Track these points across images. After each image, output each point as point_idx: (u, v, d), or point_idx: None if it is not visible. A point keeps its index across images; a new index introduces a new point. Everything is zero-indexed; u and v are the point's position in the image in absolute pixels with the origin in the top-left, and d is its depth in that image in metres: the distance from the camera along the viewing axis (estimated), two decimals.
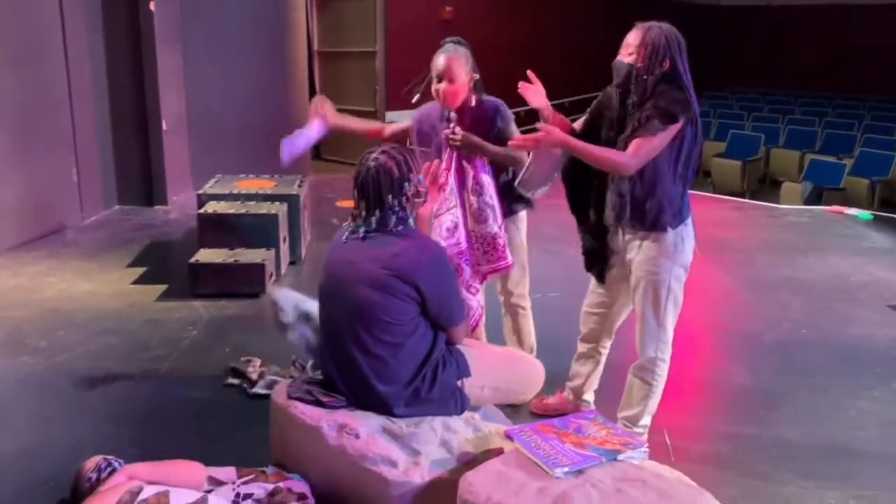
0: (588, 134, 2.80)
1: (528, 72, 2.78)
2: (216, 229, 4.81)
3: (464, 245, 2.98)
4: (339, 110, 10.43)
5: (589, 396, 3.23)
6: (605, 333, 3.11)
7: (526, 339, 3.30)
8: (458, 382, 2.50)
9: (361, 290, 2.35)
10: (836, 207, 7.63)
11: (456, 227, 2.96)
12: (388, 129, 3.33)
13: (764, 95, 14.90)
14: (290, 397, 2.52)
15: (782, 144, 11.38)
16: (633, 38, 2.67)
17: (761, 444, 3.14)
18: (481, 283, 3.07)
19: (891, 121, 12.08)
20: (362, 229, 2.39)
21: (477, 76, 3.00)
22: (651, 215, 2.69)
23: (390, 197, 2.35)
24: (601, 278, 2.98)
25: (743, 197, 9.65)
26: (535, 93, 2.75)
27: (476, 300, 3.02)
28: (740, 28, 16.73)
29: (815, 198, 8.65)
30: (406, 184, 2.38)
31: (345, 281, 2.39)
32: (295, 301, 2.81)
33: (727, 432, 3.23)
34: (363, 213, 2.39)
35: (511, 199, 3.10)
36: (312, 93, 9.49)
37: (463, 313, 2.49)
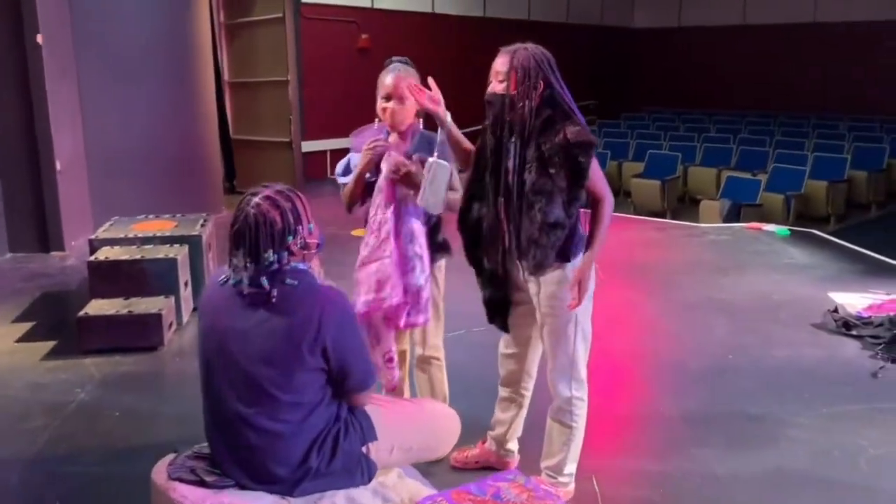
0: (475, 181, 2.69)
1: (429, 79, 2.66)
2: (109, 278, 4.43)
3: (394, 300, 2.72)
4: (254, 141, 10.03)
5: (512, 445, 3.01)
6: (524, 374, 2.92)
7: (439, 390, 3.07)
8: (364, 448, 2.25)
9: (255, 368, 2.06)
10: (754, 224, 7.71)
11: (388, 279, 2.72)
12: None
13: (679, 115, 15.21)
14: (170, 478, 2.21)
15: (699, 162, 11.56)
16: (500, 65, 2.52)
17: (693, 483, 2.99)
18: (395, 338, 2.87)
19: (799, 136, 12.45)
20: (243, 286, 2.08)
21: None
22: (558, 250, 2.55)
23: (270, 252, 2.05)
24: (505, 328, 2.80)
25: (663, 216, 9.72)
26: (430, 98, 2.62)
27: (394, 363, 2.82)
28: (653, 49, 17.11)
29: (734, 215, 8.73)
30: (290, 237, 2.07)
31: (232, 354, 2.08)
32: None
33: (658, 473, 3.06)
34: (240, 267, 2.08)
35: (433, 248, 2.89)
36: (223, 125, 9.15)
37: (373, 376, 2.24)
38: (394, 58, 2.87)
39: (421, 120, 2.88)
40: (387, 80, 2.76)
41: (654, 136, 12.94)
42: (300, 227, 2.10)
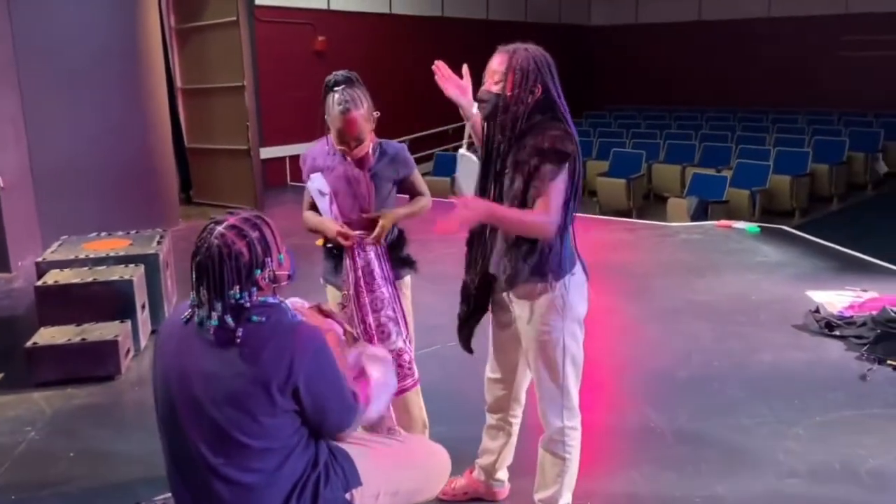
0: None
1: (464, 67, 2.50)
2: (59, 303, 4.13)
3: None
4: (210, 150, 9.68)
5: (502, 474, 2.83)
6: (513, 400, 2.73)
7: (418, 416, 2.88)
8: (347, 495, 2.04)
9: (222, 413, 1.83)
10: (724, 222, 7.65)
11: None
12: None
13: (640, 112, 15.22)
14: None
15: (663, 160, 11.53)
16: (497, 64, 2.34)
17: None
18: None
19: (760, 131, 12.52)
20: (209, 325, 1.86)
21: (377, 114, 2.66)
22: (533, 265, 2.36)
23: (237, 288, 1.83)
24: (467, 348, 2.64)
25: (629, 215, 9.66)
26: (459, 87, 2.45)
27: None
28: (611, 46, 17.12)
29: (701, 212, 8.69)
30: (258, 271, 1.86)
31: (196, 398, 1.85)
32: None
33: (656, 495, 2.91)
34: (204, 303, 1.86)
35: (396, 264, 2.72)
36: (177, 133, 8.82)
37: (352, 413, 2.02)
38: (337, 74, 2.63)
39: (375, 137, 2.72)
40: (337, 120, 2.55)
41: (616, 135, 12.90)
42: (269, 259, 1.89)
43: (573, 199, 2.37)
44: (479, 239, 2.49)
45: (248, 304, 1.86)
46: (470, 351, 2.65)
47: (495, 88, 2.32)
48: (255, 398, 1.83)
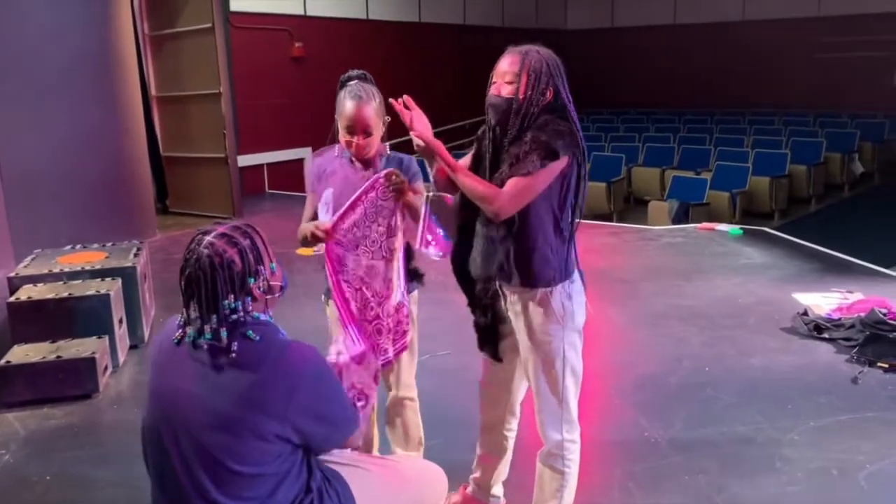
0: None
1: (406, 97, 2.32)
2: (32, 319, 3.99)
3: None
4: (186, 158, 9.49)
5: (498, 490, 2.76)
6: (508, 412, 2.66)
7: (414, 434, 2.79)
8: None
9: (210, 436, 1.73)
10: (706, 224, 7.65)
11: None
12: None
13: (618, 115, 15.26)
14: None
15: (642, 163, 11.55)
16: (508, 65, 2.25)
17: None
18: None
19: (737, 133, 12.59)
20: (201, 341, 1.76)
21: (388, 118, 2.57)
22: (532, 270, 2.29)
23: (232, 298, 1.74)
24: (496, 356, 2.53)
25: (610, 218, 9.65)
26: (418, 119, 2.29)
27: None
28: (588, 50, 17.16)
29: (682, 215, 8.70)
30: (252, 279, 1.77)
31: (184, 420, 1.76)
32: None
33: None
34: (196, 319, 1.77)
35: (407, 277, 2.62)
36: (152, 142, 8.66)
37: (354, 426, 1.92)
38: (351, 73, 2.58)
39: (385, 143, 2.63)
40: (347, 108, 2.47)
41: (595, 138, 12.91)
42: (261, 268, 1.80)
43: (574, 202, 2.31)
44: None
45: (242, 317, 1.77)
46: (499, 360, 2.53)
47: (507, 91, 2.24)
48: (248, 422, 1.74)
